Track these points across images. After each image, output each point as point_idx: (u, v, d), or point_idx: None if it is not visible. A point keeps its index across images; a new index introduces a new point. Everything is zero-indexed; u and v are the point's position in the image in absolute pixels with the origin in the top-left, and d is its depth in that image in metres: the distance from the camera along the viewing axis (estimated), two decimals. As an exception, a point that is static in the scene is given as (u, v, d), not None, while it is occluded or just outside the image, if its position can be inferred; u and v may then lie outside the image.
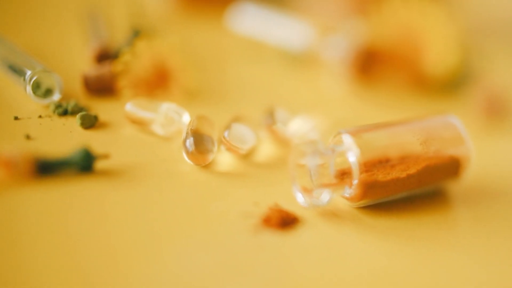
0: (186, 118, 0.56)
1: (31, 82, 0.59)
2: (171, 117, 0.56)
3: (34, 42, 0.69)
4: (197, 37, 0.76)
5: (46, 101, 0.60)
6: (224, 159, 0.54)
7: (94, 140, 0.56)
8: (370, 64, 0.66)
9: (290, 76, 0.70)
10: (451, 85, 0.68)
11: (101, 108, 0.60)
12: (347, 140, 0.47)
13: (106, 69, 0.63)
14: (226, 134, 0.54)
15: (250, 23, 0.76)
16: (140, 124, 0.57)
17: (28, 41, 0.69)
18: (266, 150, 0.56)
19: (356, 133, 0.48)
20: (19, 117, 0.58)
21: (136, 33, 0.70)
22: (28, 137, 0.55)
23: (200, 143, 0.51)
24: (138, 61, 0.63)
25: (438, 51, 0.67)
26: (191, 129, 0.52)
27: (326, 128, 0.57)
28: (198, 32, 0.78)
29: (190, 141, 0.52)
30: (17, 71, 0.62)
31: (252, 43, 0.75)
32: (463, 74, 0.69)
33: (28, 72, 0.60)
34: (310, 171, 0.47)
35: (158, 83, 0.63)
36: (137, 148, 0.55)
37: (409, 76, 0.67)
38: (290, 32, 0.72)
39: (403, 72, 0.67)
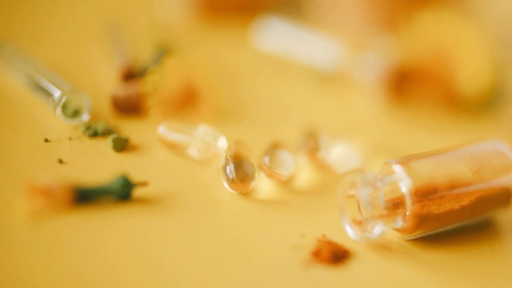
0: (222, 142, 0.54)
1: (61, 103, 0.58)
2: (208, 141, 0.54)
3: (56, 60, 0.67)
4: (220, 53, 0.75)
5: (74, 122, 0.58)
6: (263, 186, 0.53)
7: (128, 164, 0.54)
8: (404, 84, 0.65)
9: (320, 95, 0.68)
10: (485, 104, 0.66)
11: (131, 129, 0.59)
12: (398, 170, 0.46)
13: (134, 88, 0.61)
14: (266, 160, 0.52)
15: (275, 39, 0.74)
16: (174, 147, 0.56)
17: (50, 59, 0.67)
18: (306, 176, 0.54)
19: (405, 162, 0.46)
20: (49, 139, 0.57)
21: (162, 51, 0.68)
22: (60, 161, 0.54)
23: (241, 170, 0.50)
24: (166, 80, 0.61)
25: (471, 69, 0.65)
26: (230, 155, 0.51)
27: (365, 153, 0.56)
28: (221, 48, 0.76)
29: (230, 168, 0.50)
30: (44, 91, 0.60)
31: (278, 60, 0.73)
32: (497, 92, 0.67)
33: (57, 93, 0.58)
34: (361, 203, 0.46)
35: (186, 102, 0.62)
36: (173, 173, 0.54)
37: (442, 95, 0.66)
38: (318, 48, 0.71)
39: (436, 91, 0.66)
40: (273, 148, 0.53)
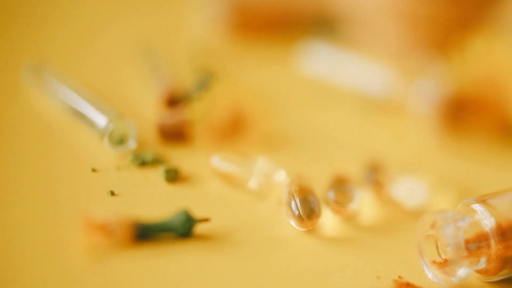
0: (282, 175, 0.52)
1: (108, 131, 0.55)
2: (267, 173, 0.52)
3: (93, 83, 0.65)
4: (262, 76, 0.72)
5: (120, 150, 0.56)
6: (328, 222, 0.50)
7: (182, 196, 0.52)
8: (460, 113, 0.62)
9: (371, 123, 0.66)
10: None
11: (179, 158, 0.56)
12: (479, 209, 0.44)
13: (180, 115, 0.59)
14: (332, 195, 0.50)
15: (319, 62, 0.72)
16: (229, 179, 0.53)
17: (87, 82, 0.64)
18: (372, 211, 0.52)
19: (485, 201, 0.44)
20: (96, 169, 0.54)
21: (206, 75, 0.65)
22: (112, 193, 0.51)
23: (307, 205, 0.47)
24: (214, 106, 0.58)
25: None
26: (295, 189, 0.48)
27: (429, 187, 0.53)
28: (262, 70, 0.74)
29: (296, 204, 0.48)
30: (87, 117, 0.58)
31: (324, 84, 0.71)
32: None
33: (103, 120, 0.56)
34: (443, 244, 0.43)
35: (235, 130, 0.59)
36: (231, 206, 0.51)
37: (496, 124, 0.63)
38: (366, 73, 0.69)
39: (490, 120, 0.63)
40: (338, 182, 0.50)
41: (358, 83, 0.68)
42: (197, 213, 0.48)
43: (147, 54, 0.71)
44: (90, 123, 0.57)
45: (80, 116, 0.58)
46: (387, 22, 0.77)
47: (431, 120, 0.63)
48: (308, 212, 0.47)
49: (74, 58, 0.74)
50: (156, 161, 0.56)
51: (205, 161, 0.55)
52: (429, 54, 0.73)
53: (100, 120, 0.56)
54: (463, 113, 0.63)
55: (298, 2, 0.85)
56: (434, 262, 0.44)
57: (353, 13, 0.79)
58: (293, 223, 0.48)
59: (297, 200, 0.48)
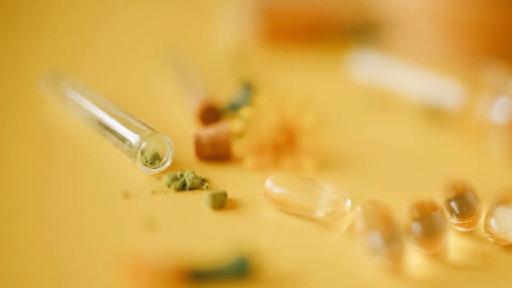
0: (348, 203, 0.44)
1: (140, 149, 0.47)
2: (335, 200, 0.44)
3: (120, 96, 0.57)
4: (307, 86, 0.64)
5: (154, 171, 0.47)
6: (413, 259, 0.42)
7: (233, 226, 0.44)
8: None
9: (436, 138, 0.58)
10: None
11: (223, 180, 0.49)
12: None
13: (221, 130, 0.50)
14: (416, 226, 0.41)
15: (368, 70, 0.64)
16: (285, 205, 0.45)
17: (113, 95, 0.56)
18: (460, 245, 0.43)
19: None
20: (128, 193, 0.46)
21: (247, 86, 0.57)
22: (150, 224, 0.43)
23: (397, 243, 0.39)
24: (260, 120, 0.50)
25: None
26: (378, 227, 0.40)
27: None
28: (306, 80, 0.66)
29: (378, 240, 0.39)
30: (115, 133, 0.49)
31: (376, 93, 0.62)
32: None
33: (133, 136, 0.47)
34: None
35: (286, 146, 0.51)
36: (292, 239, 0.43)
37: None
38: (426, 82, 0.60)
39: None
40: (422, 211, 0.42)
41: (415, 91, 0.60)
42: (251, 245, 0.40)
43: (178, 63, 0.62)
44: (119, 140, 0.48)
45: (107, 132, 0.50)
46: (429, 27, 0.71)
47: (506, 135, 0.54)
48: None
49: (99, 68, 0.66)
50: (197, 184, 0.47)
51: (254, 183, 0.47)
52: (479, 61, 0.65)
53: (131, 136, 0.48)
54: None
55: (334, 8, 0.77)
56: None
57: (394, 18, 0.73)
58: (379, 260, 0.39)
59: (377, 236, 0.39)
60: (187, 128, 0.54)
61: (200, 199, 0.46)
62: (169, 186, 0.47)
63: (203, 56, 0.67)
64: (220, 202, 0.46)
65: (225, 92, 0.59)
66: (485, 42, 0.70)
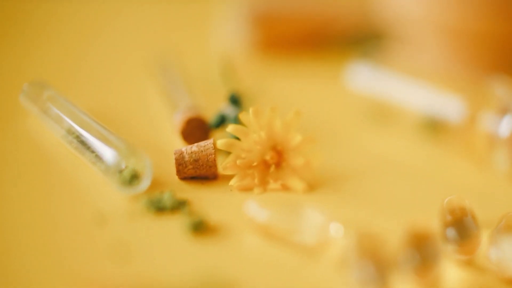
0: (337, 228, 0.40)
1: (117, 167, 0.44)
2: (323, 226, 0.40)
3: (100, 110, 0.54)
4: (301, 99, 0.61)
5: (132, 191, 0.44)
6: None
7: (212, 254, 0.41)
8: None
9: (438, 154, 0.55)
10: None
11: (205, 203, 0.45)
12: None
13: (205, 147, 0.47)
14: (410, 256, 0.38)
15: (366, 81, 0.61)
16: (269, 231, 0.42)
17: (94, 108, 0.53)
18: (457, 277, 0.40)
19: None
20: (102, 215, 0.43)
21: (237, 100, 0.54)
22: (122, 249, 0.40)
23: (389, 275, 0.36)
24: (247, 137, 0.47)
25: None
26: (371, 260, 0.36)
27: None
28: (300, 92, 0.63)
29: (370, 272, 0.36)
30: (91, 149, 0.46)
31: (374, 106, 0.59)
32: None
33: (111, 153, 0.44)
34: None
35: (275, 165, 0.48)
36: (275, 268, 0.40)
37: None
38: (428, 96, 0.57)
39: None
40: (416, 241, 0.39)
41: (417, 105, 0.57)
42: (230, 275, 0.37)
43: (167, 74, 0.59)
44: (97, 158, 0.45)
45: (85, 148, 0.47)
46: (433, 37, 0.68)
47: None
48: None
49: (83, 79, 0.63)
50: (177, 206, 0.44)
51: (239, 206, 0.44)
52: (483, 75, 0.62)
53: (108, 153, 0.45)
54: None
55: (334, 17, 0.74)
56: None
57: (397, 27, 0.70)
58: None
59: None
60: (171, 145, 0.51)
61: (178, 224, 0.43)
62: (146, 208, 0.44)
63: (194, 67, 0.64)
64: (200, 229, 0.43)
65: (214, 106, 0.55)
66: (491, 53, 0.67)
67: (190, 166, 0.47)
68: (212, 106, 0.54)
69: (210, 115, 0.53)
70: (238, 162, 0.47)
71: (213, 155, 0.47)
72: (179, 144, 0.51)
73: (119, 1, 0.82)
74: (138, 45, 0.72)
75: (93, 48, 0.71)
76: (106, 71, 0.66)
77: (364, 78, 0.63)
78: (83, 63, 0.67)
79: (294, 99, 0.61)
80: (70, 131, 0.49)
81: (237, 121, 0.50)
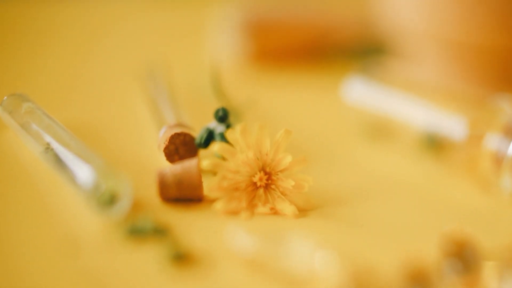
0: (330, 258, 0.37)
1: (96, 188, 0.41)
2: (310, 254, 0.38)
3: (80, 124, 0.51)
4: (294, 113, 0.59)
5: (108, 214, 0.42)
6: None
7: (190, 285, 0.38)
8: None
9: (439, 175, 0.52)
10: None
11: (188, 228, 0.43)
12: None
13: (189, 168, 0.44)
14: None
15: (364, 96, 0.59)
16: (256, 261, 0.39)
17: (73, 123, 0.50)
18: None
19: None
20: (74, 241, 0.40)
21: (222, 115, 0.50)
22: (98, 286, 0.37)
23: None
24: (234, 157, 0.44)
25: None
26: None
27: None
28: (294, 106, 0.61)
29: None
30: (66, 167, 0.43)
31: (372, 123, 0.57)
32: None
33: (86, 171, 0.41)
34: None
35: (261, 188, 0.45)
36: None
37: None
38: (430, 113, 0.55)
39: None
40: (412, 279, 0.36)
41: (417, 121, 0.55)
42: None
43: (152, 87, 0.57)
44: (74, 177, 0.42)
45: (62, 166, 0.44)
46: (435, 51, 0.66)
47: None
48: None
49: (63, 91, 0.61)
50: (156, 232, 0.41)
51: (224, 231, 0.41)
52: (487, 90, 0.60)
53: (85, 172, 0.42)
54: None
55: (333, 29, 0.72)
56: None
57: (398, 40, 0.68)
58: None
59: None
60: (155, 163, 0.48)
61: (157, 254, 0.40)
62: (124, 234, 0.41)
63: (185, 79, 0.64)
64: (181, 260, 0.40)
65: (203, 121, 0.52)
66: (494, 67, 0.65)
67: (174, 188, 0.45)
68: (201, 121, 0.51)
69: (198, 131, 0.50)
70: (224, 183, 0.44)
71: (197, 177, 0.44)
72: (163, 162, 0.47)
73: (108, 11, 0.79)
74: (128, 55, 0.70)
75: (80, 58, 0.69)
76: (92, 83, 0.64)
77: (362, 93, 0.60)
78: (68, 75, 0.65)
79: (287, 113, 0.59)
80: (48, 148, 0.46)
81: (224, 138, 0.47)
